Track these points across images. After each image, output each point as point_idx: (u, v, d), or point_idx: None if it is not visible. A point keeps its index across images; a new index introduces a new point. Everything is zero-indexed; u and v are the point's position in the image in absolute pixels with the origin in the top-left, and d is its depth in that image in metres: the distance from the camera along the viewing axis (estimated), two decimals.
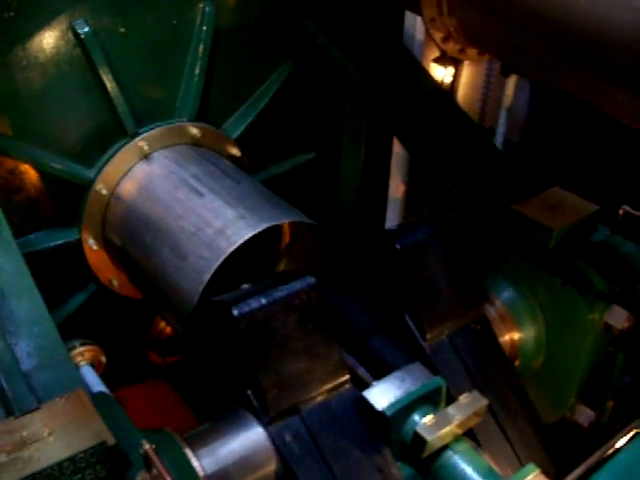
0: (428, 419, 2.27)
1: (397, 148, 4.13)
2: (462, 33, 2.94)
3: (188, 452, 2.01)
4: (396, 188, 4.27)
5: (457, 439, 2.31)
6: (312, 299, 2.35)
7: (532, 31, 2.43)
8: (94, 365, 3.26)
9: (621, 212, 3.06)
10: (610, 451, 1.91)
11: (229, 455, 2.13)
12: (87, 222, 3.46)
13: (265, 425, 2.17)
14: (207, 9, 3.46)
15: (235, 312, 2.17)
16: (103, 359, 3.35)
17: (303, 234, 3.44)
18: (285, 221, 3.09)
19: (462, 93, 4.34)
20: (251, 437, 2.15)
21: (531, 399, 2.81)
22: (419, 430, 2.23)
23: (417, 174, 4.21)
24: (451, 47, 3.09)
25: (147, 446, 1.73)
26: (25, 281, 2.15)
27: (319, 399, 2.30)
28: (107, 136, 3.41)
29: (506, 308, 3.12)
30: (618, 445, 1.94)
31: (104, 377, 3.18)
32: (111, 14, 3.24)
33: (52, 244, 3.43)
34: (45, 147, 3.27)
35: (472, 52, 3.16)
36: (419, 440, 2.22)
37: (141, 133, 3.46)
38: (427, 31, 3.08)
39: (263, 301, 2.24)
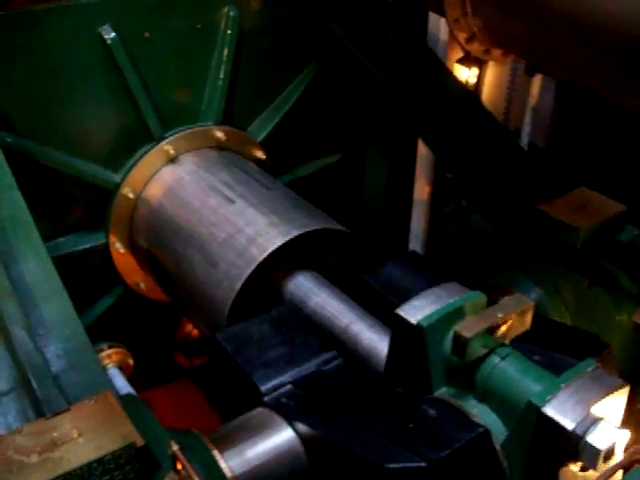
0: (468, 319, 2.11)
1: (422, 149, 4.12)
2: (486, 34, 2.93)
3: (216, 454, 2.02)
4: (421, 189, 4.25)
5: (502, 346, 2.13)
6: (281, 313, 2.62)
7: (560, 31, 2.41)
8: (122, 367, 3.29)
9: None
10: None
11: (256, 455, 2.13)
12: (114, 226, 3.50)
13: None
14: (231, 13, 3.49)
15: (217, 336, 2.51)
16: (130, 361, 3.38)
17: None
18: (316, 228, 3.04)
19: (486, 94, 4.32)
20: (280, 438, 2.16)
21: None
22: (458, 329, 2.06)
23: (442, 176, 4.19)
24: (475, 48, 3.08)
25: (175, 447, 1.74)
26: (54, 285, 2.17)
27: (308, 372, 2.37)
28: (133, 140, 3.45)
29: None
30: None
31: (131, 379, 3.21)
32: (136, 19, 3.28)
33: (80, 248, 3.48)
34: (73, 152, 3.31)
35: (497, 52, 3.15)
36: (459, 341, 2.04)
37: (167, 137, 3.49)
38: (451, 32, 3.07)
39: (240, 323, 2.57)
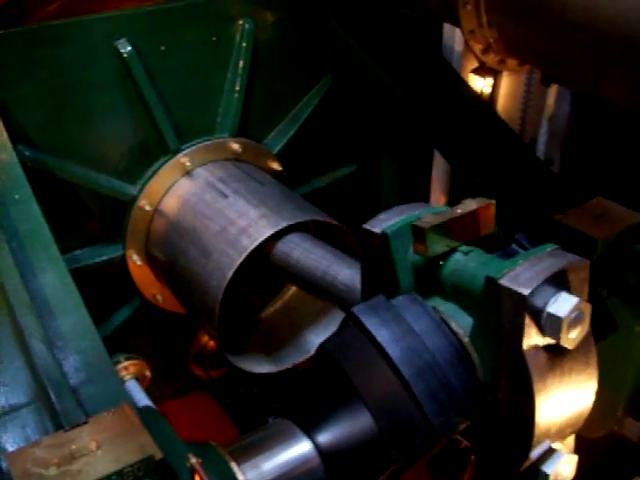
0: (426, 215, 2.06)
1: (437, 160, 4.12)
2: (502, 44, 2.92)
3: (233, 466, 2.02)
4: (437, 200, 4.25)
5: (466, 244, 2.08)
6: None
7: (576, 40, 2.40)
8: (139, 379, 3.30)
9: None
10: None
11: (273, 468, 2.12)
12: (131, 238, 3.52)
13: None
14: (247, 26, 3.50)
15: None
16: (147, 373, 3.39)
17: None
18: (305, 219, 3.19)
19: (502, 103, 4.31)
20: (297, 450, 2.15)
21: None
22: (416, 222, 2.02)
23: (458, 186, 4.18)
24: (491, 58, 3.07)
25: (193, 460, 1.74)
26: (72, 297, 2.18)
27: None
28: (150, 153, 3.47)
29: None
30: None
31: (148, 391, 3.21)
32: (152, 33, 3.30)
33: (97, 260, 3.50)
34: (90, 165, 3.33)
35: (512, 63, 3.14)
36: (418, 233, 2.00)
37: (183, 149, 3.50)
38: (466, 43, 3.06)
39: None
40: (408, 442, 1.90)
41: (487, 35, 2.92)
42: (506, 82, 4.24)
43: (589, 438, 2.80)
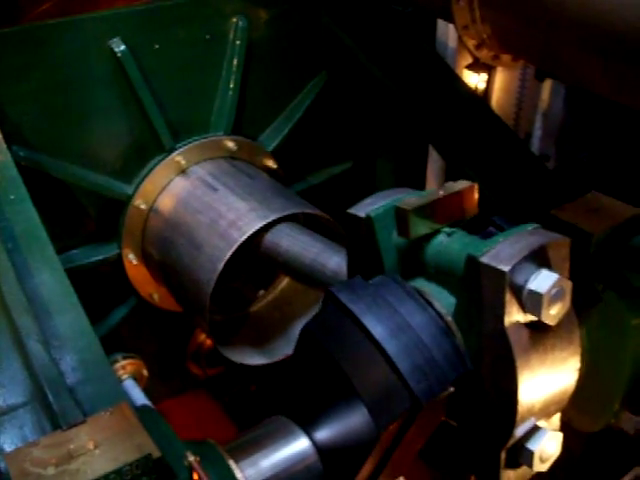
0: (409, 198, 2.07)
1: (433, 156, 4.12)
2: (496, 40, 2.92)
3: (232, 463, 2.02)
4: None
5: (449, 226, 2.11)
6: None
7: (570, 36, 2.40)
8: (136, 378, 3.29)
9: None
10: None
11: (271, 465, 2.13)
12: (127, 237, 3.52)
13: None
14: (240, 23, 3.50)
15: None
16: (145, 372, 3.39)
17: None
18: (293, 212, 3.23)
19: (496, 99, 4.31)
20: (294, 447, 2.15)
21: (574, 406, 2.77)
22: (399, 204, 2.04)
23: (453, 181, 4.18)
24: (485, 54, 3.07)
25: (192, 458, 1.74)
26: (68, 297, 2.18)
27: None
28: (145, 152, 3.47)
29: None
30: None
31: (145, 390, 3.21)
32: (146, 31, 3.30)
33: (93, 259, 3.50)
34: (85, 164, 3.33)
35: (506, 58, 3.14)
36: (401, 215, 2.02)
37: (178, 148, 3.50)
38: (460, 39, 3.06)
39: None
40: (391, 411, 1.90)
41: (481, 31, 2.92)
42: (500, 77, 4.24)
43: (587, 432, 2.81)
